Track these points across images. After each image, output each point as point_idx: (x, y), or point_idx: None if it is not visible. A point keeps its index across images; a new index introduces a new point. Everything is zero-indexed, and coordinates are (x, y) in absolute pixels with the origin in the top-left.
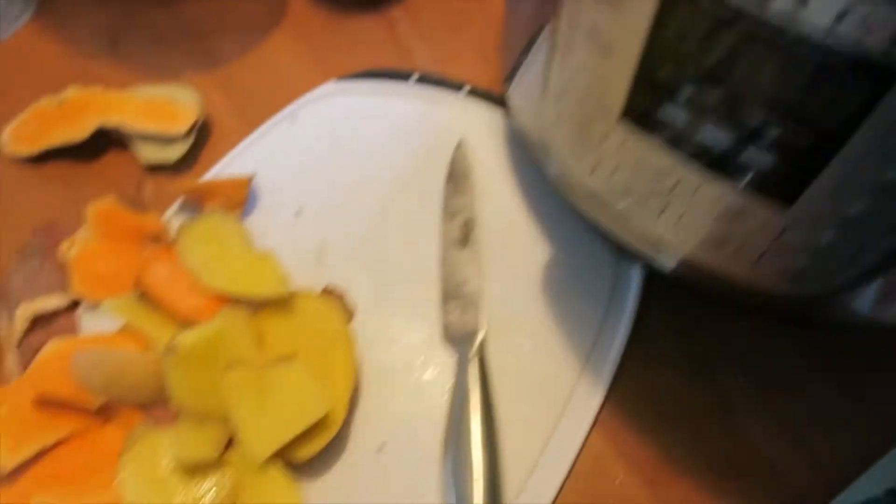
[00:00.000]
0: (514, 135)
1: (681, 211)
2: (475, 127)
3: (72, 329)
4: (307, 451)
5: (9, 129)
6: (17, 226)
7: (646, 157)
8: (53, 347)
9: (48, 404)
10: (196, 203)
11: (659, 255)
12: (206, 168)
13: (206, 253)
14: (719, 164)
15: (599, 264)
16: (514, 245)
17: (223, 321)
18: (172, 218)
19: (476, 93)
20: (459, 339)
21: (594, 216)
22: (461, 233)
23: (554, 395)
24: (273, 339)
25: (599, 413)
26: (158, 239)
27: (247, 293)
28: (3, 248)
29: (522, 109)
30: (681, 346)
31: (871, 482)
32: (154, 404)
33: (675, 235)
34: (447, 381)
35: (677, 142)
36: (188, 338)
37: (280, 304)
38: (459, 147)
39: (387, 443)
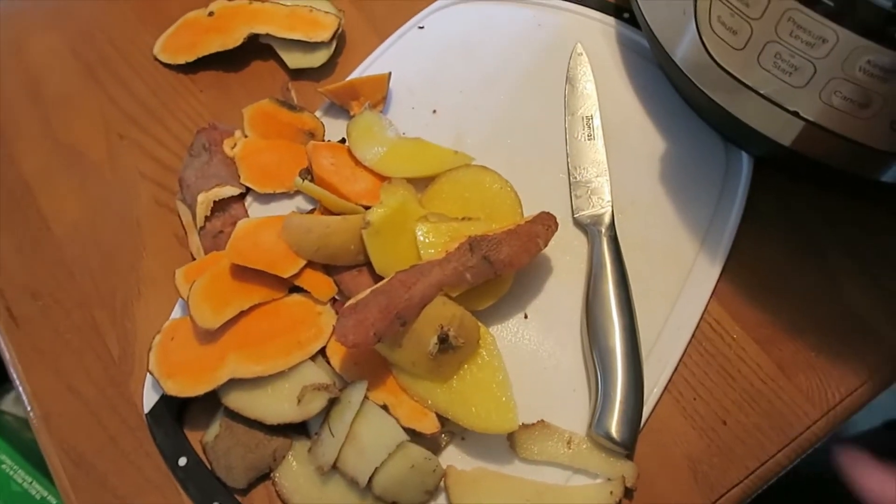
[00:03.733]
0: (629, 38)
1: (828, 77)
2: (591, 32)
3: (243, 216)
4: (485, 302)
5: (161, 40)
6: (182, 127)
7: (806, 25)
8: (244, 227)
9: (244, 274)
10: (341, 103)
11: (783, 130)
12: (344, 76)
13: (373, 143)
14: (877, 28)
15: (711, 153)
16: (632, 138)
17: (401, 195)
18: (322, 118)
19: (590, 2)
20: (589, 221)
21: (721, 97)
22: (584, 127)
23: (677, 268)
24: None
25: (717, 283)
26: (314, 135)
27: (418, 173)
28: (174, 146)
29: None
30: (790, 226)
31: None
32: (353, 265)
33: (814, 104)
34: (576, 261)
35: (840, 10)
36: (378, 212)
37: (443, 179)
38: (577, 50)
39: (531, 312)
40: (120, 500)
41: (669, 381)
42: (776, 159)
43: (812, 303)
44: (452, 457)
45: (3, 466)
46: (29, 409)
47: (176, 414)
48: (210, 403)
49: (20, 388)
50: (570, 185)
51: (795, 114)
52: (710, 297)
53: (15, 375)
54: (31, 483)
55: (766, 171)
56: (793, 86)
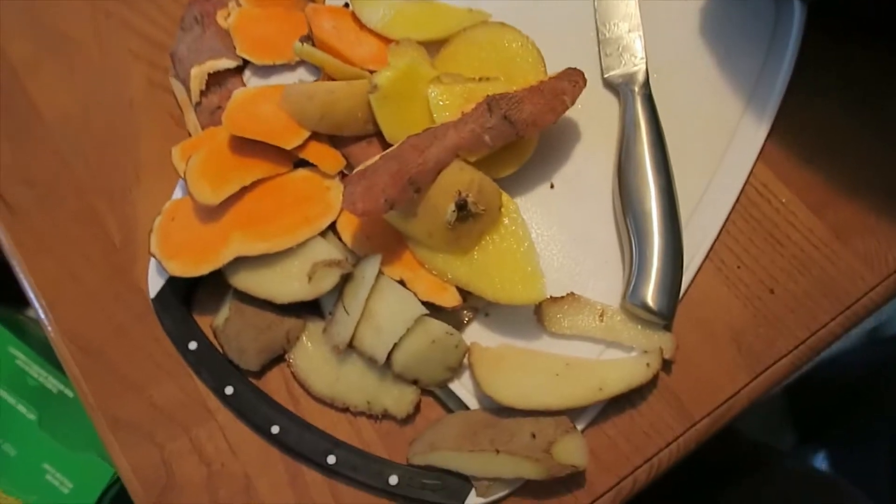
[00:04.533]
0: None
1: None
2: None
3: None
4: (507, 170)
5: None
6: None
7: None
8: (241, 95)
9: (244, 147)
10: None
11: None
12: None
13: (379, 5)
14: None
15: (759, 0)
16: None
17: (412, 56)
18: None
19: None
20: (620, 81)
21: None
22: None
23: (719, 129)
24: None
25: (764, 145)
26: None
27: (429, 34)
28: (164, 22)
29: None
30: (845, 79)
31: None
32: (361, 136)
33: None
34: (606, 126)
35: None
36: (386, 75)
37: (457, 40)
38: None
39: (558, 181)
40: (133, 387)
41: (711, 248)
42: (832, 2)
43: (870, 161)
44: (476, 334)
45: (18, 362)
46: (33, 298)
47: (183, 298)
48: (218, 287)
49: (22, 279)
50: (598, 42)
51: None
52: (757, 159)
53: (16, 266)
54: (45, 377)
55: (819, 20)
56: None
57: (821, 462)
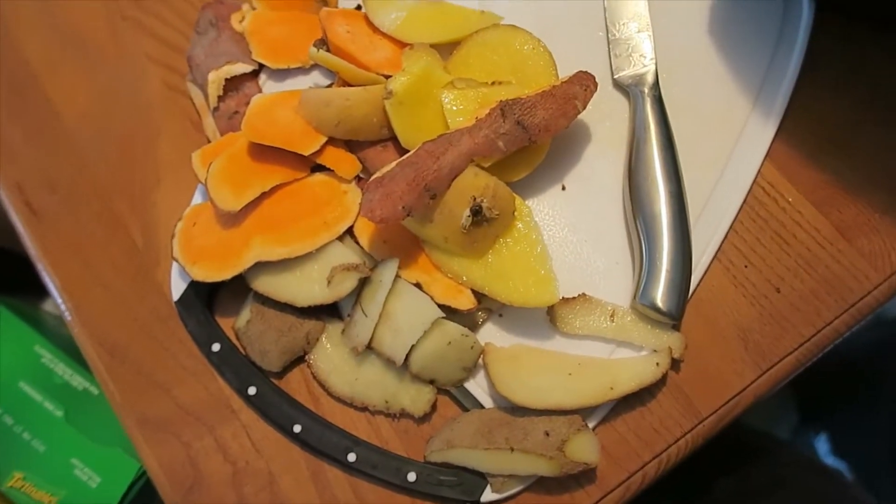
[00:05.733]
0: None
1: None
2: None
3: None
4: (520, 173)
5: None
6: (186, 3)
7: None
8: (258, 103)
9: (262, 153)
10: None
11: None
12: None
13: (391, 8)
14: None
15: None
16: None
17: (425, 62)
18: None
19: None
20: (630, 82)
21: None
22: None
23: (727, 128)
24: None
25: (771, 144)
26: (327, 2)
27: (442, 37)
28: (179, 25)
29: None
30: (853, 76)
31: None
32: (377, 140)
33: None
34: (617, 126)
35: None
36: (400, 80)
37: (469, 43)
38: None
39: (569, 182)
40: (159, 387)
41: (719, 248)
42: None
43: (876, 160)
44: (490, 334)
45: (44, 360)
46: (59, 301)
47: (205, 301)
48: (239, 289)
49: (48, 282)
50: (608, 43)
51: None
52: (764, 159)
53: (42, 269)
54: (71, 375)
55: (826, 17)
56: None
57: (822, 443)
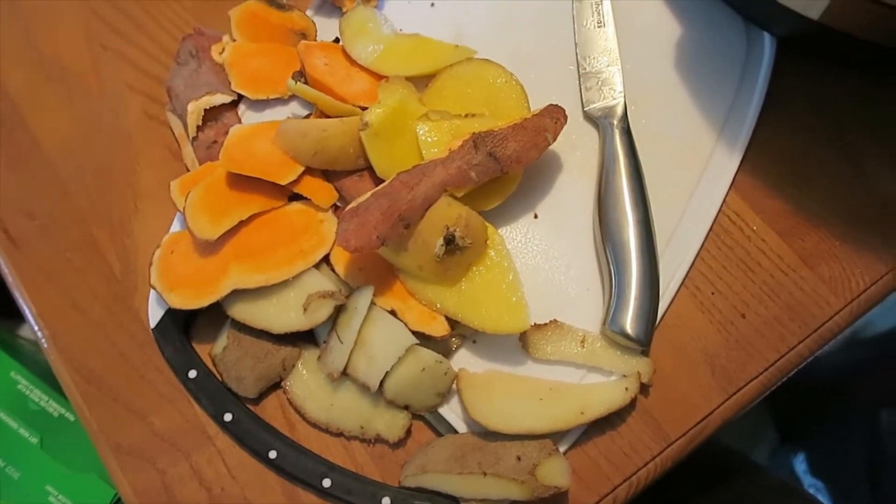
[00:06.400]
0: None
1: None
2: None
3: (236, 125)
4: (492, 203)
5: None
6: (167, 35)
7: None
8: (237, 134)
9: (240, 182)
10: (332, 1)
11: (811, 2)
12: None
13: (368, 41)
14: None
15: (731, 36)
16: (645, 23)
17: (400, 94)
18: (313, 17)
19: None
20: (600, 114)
21: None
22: (593, 13)
23: (694, 159)
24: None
25: (736, 175)
26: (306, 35)
27: (417, 70)
28: (160, 56)
29: None
30: (814, 111)
31: None
32: (353, 170)
33: None
34: (587, 157)
35: None
36: (376, 112)
37: (443, 76)
38: None
39: (541, 211)
40: (135, 413)
41: (686, 275)
42: (801, 38)
43: (836, 190)
44: (464, 360)
45: (20, 387)
46: (36, 328)
47: (182, 328)
48: (216, 316)
49: (25, 308)
50: (579, 76)
51: None
52: (729, 188)
53: (19, 295)
54: (47, 402)
55: (789, 54)
56: None
57: (800, 463)
